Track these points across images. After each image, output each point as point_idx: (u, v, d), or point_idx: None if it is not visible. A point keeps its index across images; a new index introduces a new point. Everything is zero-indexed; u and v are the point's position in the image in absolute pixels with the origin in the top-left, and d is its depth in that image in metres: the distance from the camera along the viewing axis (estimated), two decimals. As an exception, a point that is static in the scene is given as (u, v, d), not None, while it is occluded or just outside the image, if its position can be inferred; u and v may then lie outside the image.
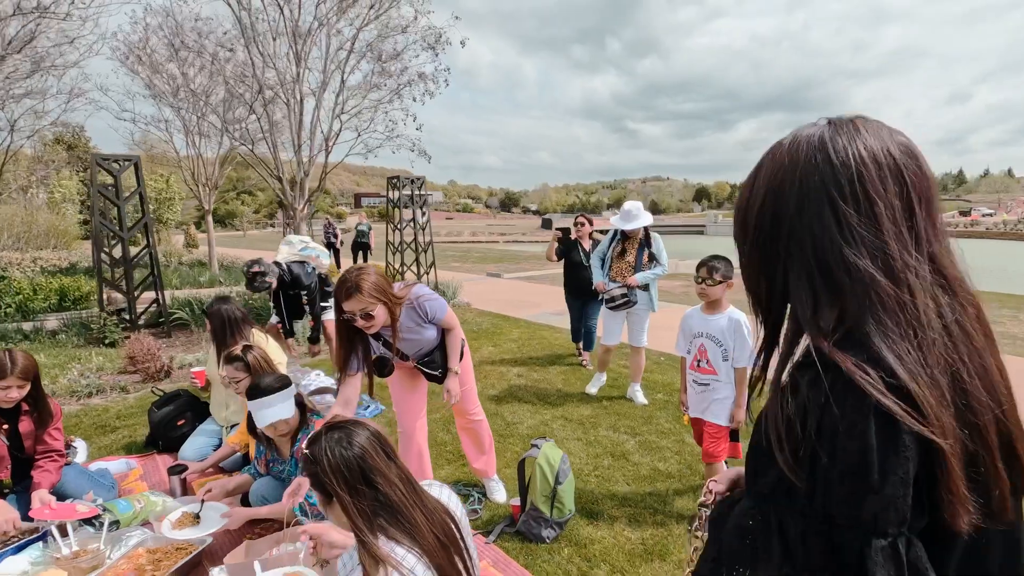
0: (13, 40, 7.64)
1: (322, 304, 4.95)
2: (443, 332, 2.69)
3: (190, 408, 3.75)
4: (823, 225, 0.65)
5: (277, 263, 4.64)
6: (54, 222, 17.92)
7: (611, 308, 4.42)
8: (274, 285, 4.54)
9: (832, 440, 0.57)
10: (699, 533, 1.06)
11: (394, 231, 9.56)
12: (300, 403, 2.62)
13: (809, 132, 0.69)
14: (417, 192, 9.51)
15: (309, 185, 8.25)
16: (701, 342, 2.82)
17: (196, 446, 3.43)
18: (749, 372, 0.73)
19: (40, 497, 2.53)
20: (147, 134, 13.57)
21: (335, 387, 3.00)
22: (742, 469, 0.87)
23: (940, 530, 0.59)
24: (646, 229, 4.39)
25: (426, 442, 2.95)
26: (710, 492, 1.07)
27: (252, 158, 8.73)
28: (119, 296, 7.10)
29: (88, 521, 2.50)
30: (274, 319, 4.89)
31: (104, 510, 2.57)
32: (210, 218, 13.87)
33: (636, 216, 4.29)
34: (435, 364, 2.68)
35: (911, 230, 0.63)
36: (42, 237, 16.71)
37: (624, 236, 4.42)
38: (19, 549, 2.32)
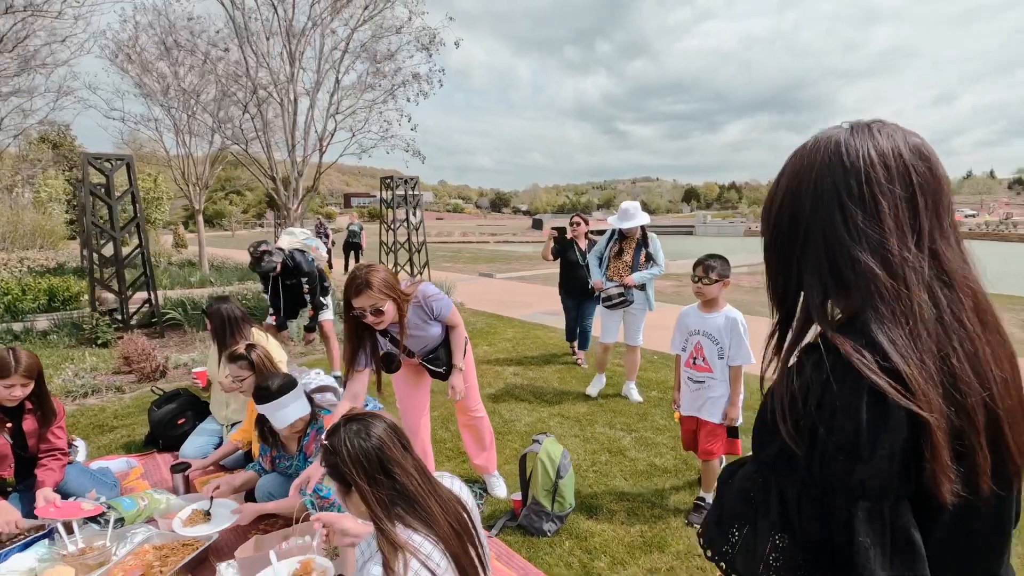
0: (4, 38, 7.56)
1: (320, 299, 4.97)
2: (447, 329, 2.74)
3: (190, 407, 3.76)
4: (833, 225, 0.70)
5: (280, 248, 4.65)
6: (40, 222, 17.62)
7: (608, 307, 4.47)
8: (279, 268, 4.56)
9: (831, 415, 0.64)
10: (696, 526, 1.11)
11: (387, 231, 9.57)
12: (308, 398, 2.67)
13: (828, 135, 0.74)
14: (411, 192, 9.53)
15: (303, 185, 8.25)
16: (697, 340, 2.86)
17: (197, 444, 3.45)
18: (763, 364, 0.78)
19: (44, 495, 2.55)
20: (136, 133, 13.46)
21: (335, 386, 3.04)
22: None
23: (927, 500, 0.65)
24: (643, 229, 4.45)
25: (429, 439, 2.99)
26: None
27: (245, 157, 8.69)
28: (109, 296, 7.05)
29: (92, 519, 2.51)
30: (270, 319, 4.89)
31: (108, 507, 2.58)
32: (200, 218, 13.77)
33: (633, 215, 4.35)
34: (439, 361, 2.73)
35: (913, 228, 0.69)
36: (28, 237, 16.45)
37: (622, 236, 4.47)
38: (25, 546, 2.34)
